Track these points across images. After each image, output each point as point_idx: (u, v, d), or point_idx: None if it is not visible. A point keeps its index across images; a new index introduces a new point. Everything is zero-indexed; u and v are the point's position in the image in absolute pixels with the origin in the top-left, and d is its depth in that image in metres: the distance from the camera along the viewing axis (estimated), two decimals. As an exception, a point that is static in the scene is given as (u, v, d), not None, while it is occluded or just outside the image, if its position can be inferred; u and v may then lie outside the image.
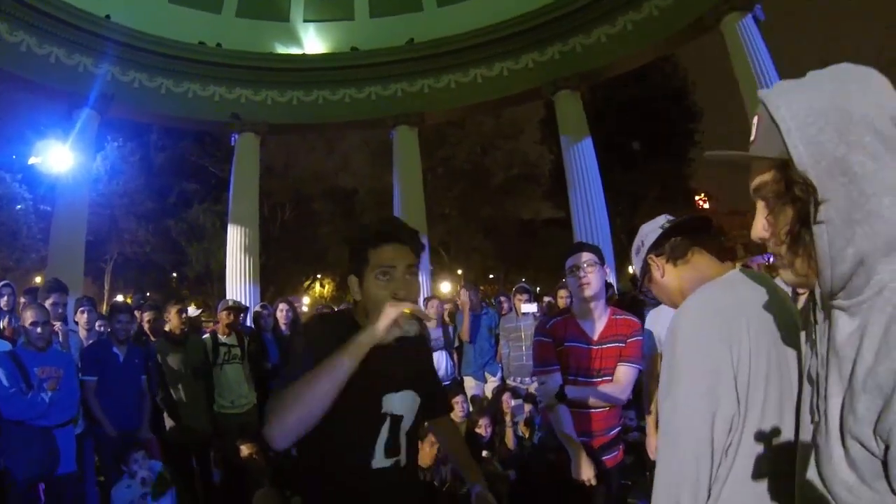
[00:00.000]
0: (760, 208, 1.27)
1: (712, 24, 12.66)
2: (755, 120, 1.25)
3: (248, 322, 8.72)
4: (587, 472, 3.29)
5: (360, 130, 21.56)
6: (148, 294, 32.07)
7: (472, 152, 33.88)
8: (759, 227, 1.27)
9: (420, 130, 16.19)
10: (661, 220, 2.22)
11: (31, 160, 38.24)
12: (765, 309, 1.64)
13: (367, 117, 16.19)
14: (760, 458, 1.54)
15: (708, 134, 31.57)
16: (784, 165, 1.16)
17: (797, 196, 1.15)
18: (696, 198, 37.04)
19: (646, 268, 2.18)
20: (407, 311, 1.87)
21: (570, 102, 14.64)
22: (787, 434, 1.53)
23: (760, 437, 1.55)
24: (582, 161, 14.18)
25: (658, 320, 4.41)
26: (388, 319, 1.83)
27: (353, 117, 16.26)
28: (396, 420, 2.14)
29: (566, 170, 14.58)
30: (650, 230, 2.21)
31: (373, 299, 2.02)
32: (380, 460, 2.10)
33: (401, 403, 2.15)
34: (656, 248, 2.15)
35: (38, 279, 22.07)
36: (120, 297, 29.51)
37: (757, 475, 1.54)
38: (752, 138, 1.26)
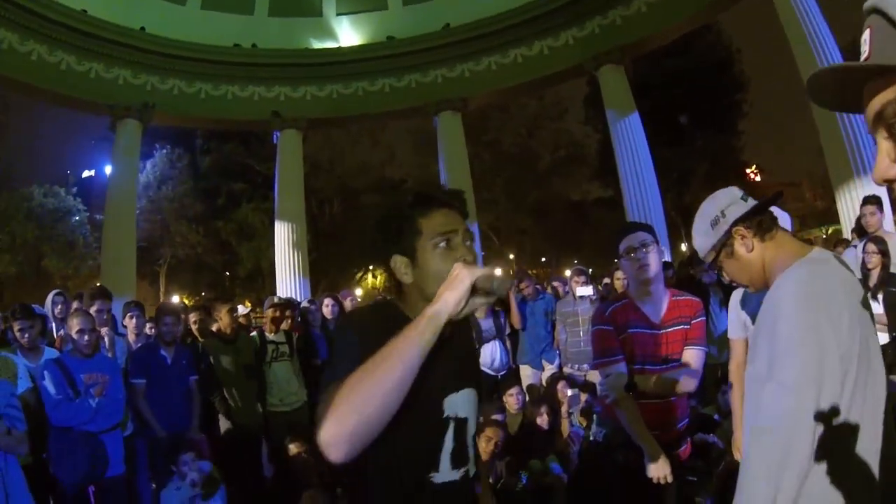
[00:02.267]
0: (884, 143, 0.93)
1: (759, -15, 12.17)
2: (866, 35, 0.95)
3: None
4: (664, 469, 2.94)
5: (403, 120, 21.46)
6: (203, 294, 32.64)
7: (517, 135, 33.67)
8: (885, 165, 0.92)
9: (463, 116, 16.05)
10: (738, 192, 2.05)
11: (85, 173, 39.25)
12: (853, 290, 1.68)
13: (409, 105, 16.15)
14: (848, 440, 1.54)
15: (757, 104, 30.81)
16: None
17: None
18: (748, 171, 36.16)
19: (727, 241, 1.99)
20: (484, 273, 1.53)
21: (614, 77, 14.39)
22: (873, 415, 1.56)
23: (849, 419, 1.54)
24: (630, 136, 13.97)
25: (748, 302, 3.84)
26: (463, 286, 1.49)
27: (395, 107, 16.25)
28: (461, 424, 1.80)
29: (614, 146, 14.37)
30: (730, 201, 2.02)
31: (435, 273, 1.66)
32: (446, 473, 1.75)
33: (464, 404, 1.81)
34: (743, 220, 1.96)
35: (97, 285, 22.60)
36: (175, 299, 30.13)
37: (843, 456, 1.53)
38: (864, 56, 0.94)
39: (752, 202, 2.01)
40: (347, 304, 8.58)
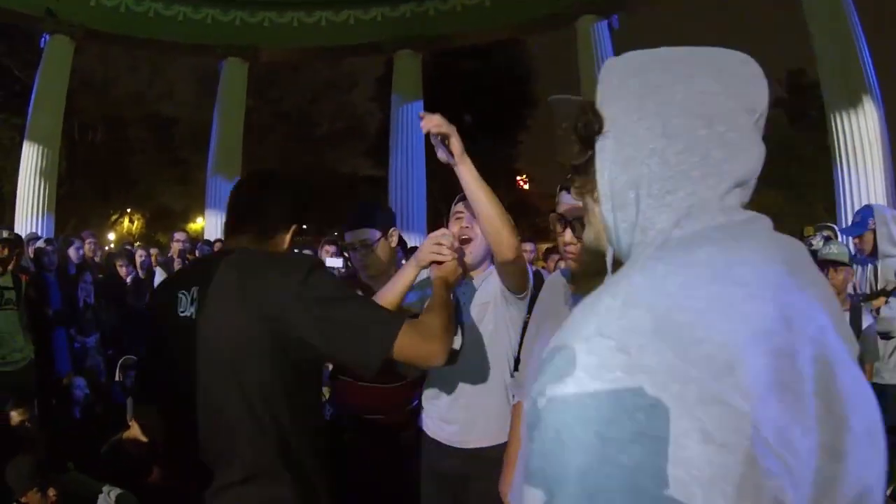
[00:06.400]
0: None
1: (569, 21, 13.11)
2: None
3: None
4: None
5: (189, 56, 19.78)
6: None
7: (302, 99, 32.85)
8: None
9: (254, 67, 15.37)
10: None
11: None
12: None
13: (198, 42, 15.02)
14: None
15: (540, 123, 32.56)
16: None
17: None
18: (518, 178, 37.97)
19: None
20: None
21: (409, 62, 14.71)
22: None
23: None
24: (409, 123, 14.30)
25: None
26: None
27: (184, 39, 15.01)
28: None
29: (391, 128, 14.78)
30: None
31: None
32: None
33: None
34: None
35: None
36: None
37: None
38: None
39: None
40: (87, 247, 7.82)
